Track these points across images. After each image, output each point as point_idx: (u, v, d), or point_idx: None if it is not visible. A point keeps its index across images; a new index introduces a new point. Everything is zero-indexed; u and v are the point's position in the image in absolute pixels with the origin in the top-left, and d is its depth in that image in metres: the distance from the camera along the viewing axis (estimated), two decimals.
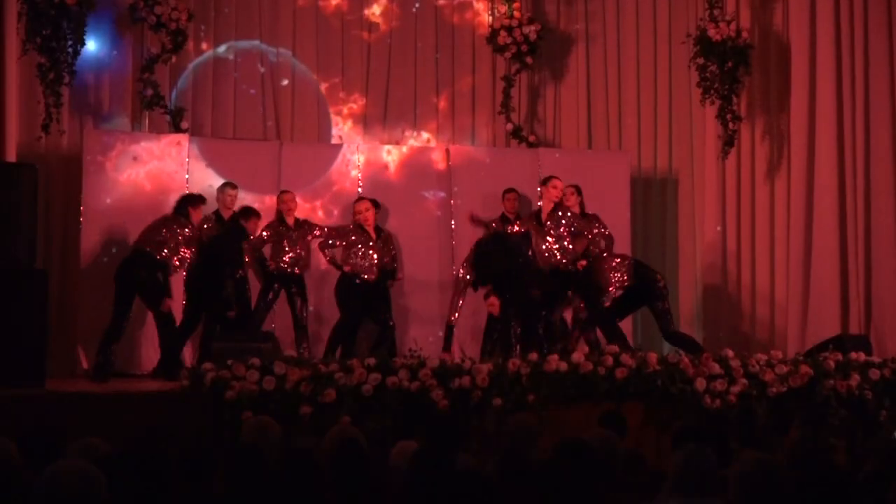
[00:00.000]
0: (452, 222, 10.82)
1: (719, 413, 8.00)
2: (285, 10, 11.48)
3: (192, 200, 9.58)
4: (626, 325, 9.80)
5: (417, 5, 11.79)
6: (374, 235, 9.84)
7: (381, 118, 11.73)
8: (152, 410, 7.54)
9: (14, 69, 9.38)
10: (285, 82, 11.47)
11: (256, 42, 11.36)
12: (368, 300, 9.76)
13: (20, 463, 4.46)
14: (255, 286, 9.97)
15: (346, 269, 9.70)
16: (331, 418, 7.01)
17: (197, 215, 9.54)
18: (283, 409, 7.24)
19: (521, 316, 9.27)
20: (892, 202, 10.85)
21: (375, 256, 9.79)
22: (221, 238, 9.55)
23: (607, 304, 9.29)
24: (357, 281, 9.71)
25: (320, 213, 10.75)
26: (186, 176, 10.36)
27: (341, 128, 11.63)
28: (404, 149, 11.36)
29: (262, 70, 11.37)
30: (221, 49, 11.25)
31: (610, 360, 8.04)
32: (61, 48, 9.72)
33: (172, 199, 10.13)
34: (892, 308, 10.75)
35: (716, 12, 11.06)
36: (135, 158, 10.22)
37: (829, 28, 10.97)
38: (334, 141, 11.44)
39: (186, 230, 9.38)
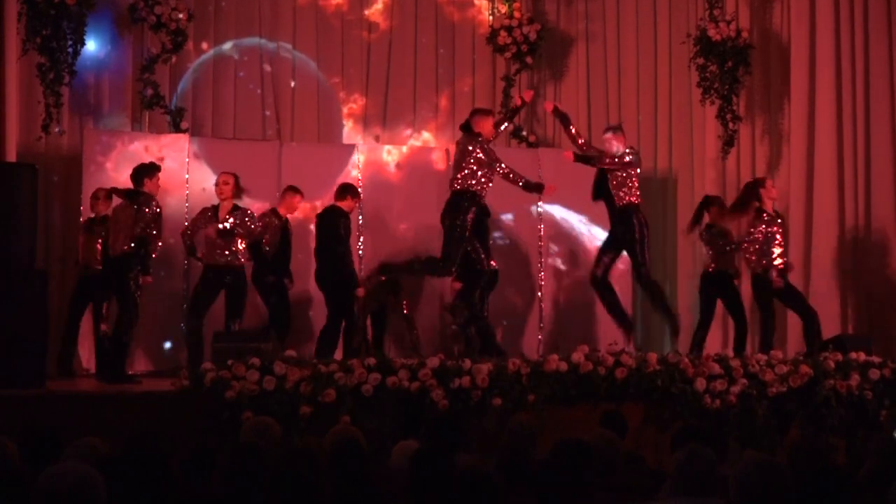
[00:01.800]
0: None
1: (719, 413, 8.01)
2: (285, 10, 11.48)
3: (147, 170, 8.89)
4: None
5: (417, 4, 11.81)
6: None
7: (381, 118, 11.72)
8: (152, 410, 7.53)
9: (14, 69, 9.38)
10: (293, 84, 11.46)
11: (258, 40, 11.36)
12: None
13: (20, 463, 4.46)
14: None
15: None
16: (331, 418, 7.02)
17: (153, 186, 8.89)
18: (283, 409, 7.25)
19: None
20: (891, 202, 10.86)
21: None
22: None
23: None
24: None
25: None
26: (186, 176, 10.36)
27: (342, 127, 11.63)
28: (404, 149, 11.35)
29: (269, 69, 11.36)
30: (227, 46, 11.25)
31: (610, 360, 8.05)
32: (61, 48, 9.75)
33: (172, 200, 10.13)
34: (892, 308, 10.74)
35: (716, 12, 11.08)
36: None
37: (829, 28, 10.98)
38: (344, 141, 11.45)
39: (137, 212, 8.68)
